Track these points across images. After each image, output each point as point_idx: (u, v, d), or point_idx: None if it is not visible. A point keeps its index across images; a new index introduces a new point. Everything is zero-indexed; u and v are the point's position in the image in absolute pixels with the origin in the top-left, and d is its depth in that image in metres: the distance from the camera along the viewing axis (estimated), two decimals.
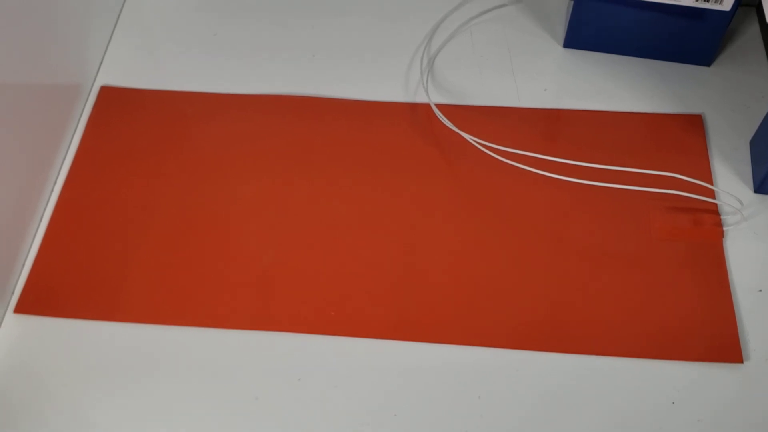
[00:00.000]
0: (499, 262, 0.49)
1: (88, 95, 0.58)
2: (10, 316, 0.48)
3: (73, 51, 0.57)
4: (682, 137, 0.54)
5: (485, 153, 0.52)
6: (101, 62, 0.60)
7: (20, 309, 0.48)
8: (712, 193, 0.51)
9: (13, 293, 0.49)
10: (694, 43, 0.57)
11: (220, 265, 0.49)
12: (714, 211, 0.51)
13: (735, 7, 0.53)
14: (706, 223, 0.50)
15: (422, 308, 0.48)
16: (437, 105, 0.55)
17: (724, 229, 0.50)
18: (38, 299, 0.48)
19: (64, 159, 0.55)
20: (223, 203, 0.52)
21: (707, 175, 0.52)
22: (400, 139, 0.55)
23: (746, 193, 0.52)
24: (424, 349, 0.46)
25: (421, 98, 0.57)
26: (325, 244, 0.50)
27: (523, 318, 0.47)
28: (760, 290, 0.48)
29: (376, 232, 0.51)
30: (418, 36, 0.61)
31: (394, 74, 0.59)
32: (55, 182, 0.53)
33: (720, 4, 0.53)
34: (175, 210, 0.52)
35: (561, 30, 0.61)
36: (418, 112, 0.56)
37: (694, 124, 0.55)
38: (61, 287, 0.49)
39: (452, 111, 0.55)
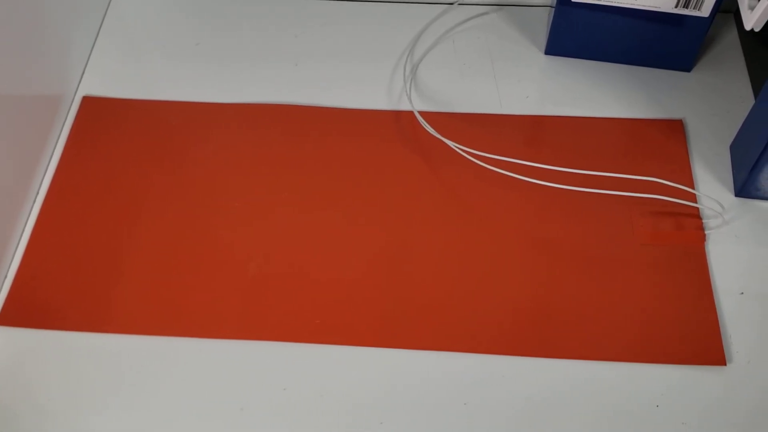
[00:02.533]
0: (483, 269, 0.49)
1: (70, 106, 0.58)
2: None
3: (54, 60, 0.57)
4: (664, 142, 0.55)
5: (469, 159, 0.52)
6: (83, 72, 0.60)
7: (2, 321, 0.48)
8: (693, 197, 0.52)
9: None
10: (674, 49, 0.57)
11: (206, 276, 0.49)
12: (696, 215, 0.51)
13: (713, 13, 0.54)
14: (688, 227, 0.50)
15: (408, 315, 0.48)
16: (420, 112, 0.56)
17: (706, 232, 0.50)
18: (21, 311, 0.48)
19: (46, 170, 0.54)
20: (208, 212, 0.52)
21: (689, 180, 0.53)
22: (383, 146, 0.55)
23: (727, 196, 0.52)
24: (410, 357, 0.46)
25: (404, 106, 0.57)
26: (310, 253, 0.50)
27: (507, 323, 0.47)
28: (742, 293, 0.48)
29: (361, 240, 0.51)
30: (401, 44, 0.61)
31: (377, 82, 0.59)
32: (38, 193, 0.53)
33: (699, 10, 0.54)
34: (160, 220, 0.52)
35: (542, 37, 0.61)
36: (401, 120, 0.57)
37: (675, 129, 0.56)
38: (44, 299, 0.48)
39: (435, 118, 0.55)
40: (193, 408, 0.45)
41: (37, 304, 0.48)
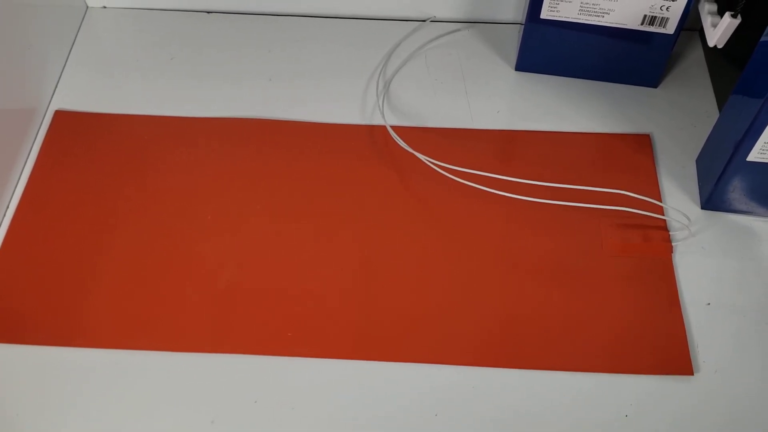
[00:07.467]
0: (455, 281, 0.50)
1: (43, 119, 0.58)
2: None
3: (26, 74, 0.56)
4: (632, 156, 0.56)
5: (440, 173, 0.53)
6: (56, 86, 0.60)
7: None
8: (661, 210, 0.52)
9: None
10: (641, 65, 0.59)
11: (177, 289, 0.49)
12: (663, 227, 0.52)
13: (678, 30, 0.55)
14: (655, 239, 0.51)
15: (379, 327, 0.48)
16: (393, 127, 0.56)
17: (673, 244, 0.51)
18: None
19: (17, 183, 0.54)
20: (179, 225, 0.52)
21: (656, 193, 0.54)
22: (357, 160, 0.55)
23: (693, 209, 0.53)
24: (381, 369, 0.46)
25: (377, 120, 0.58)
26: (283, 265, 0.50)
27: (478, 335, 0.47)
28: (709, 303, 0.49)
29: (334, 253, 0.51)
30: (374, 60, 0.62)
31: (350, 97, 0.60)
32: (8, 206, 0.53)
33: (664, 27, 0.55)
34: (131, 233, 0.52)
35: (513, 54, 0.62)
36: (374, 134, 0.57)
37: (643, 143, 0.57)
38: (13, 313, 0.48)
39: (408, 133, 0.56)
40: (164, 421, 0.44)
41: (7, 319, 0.48)
